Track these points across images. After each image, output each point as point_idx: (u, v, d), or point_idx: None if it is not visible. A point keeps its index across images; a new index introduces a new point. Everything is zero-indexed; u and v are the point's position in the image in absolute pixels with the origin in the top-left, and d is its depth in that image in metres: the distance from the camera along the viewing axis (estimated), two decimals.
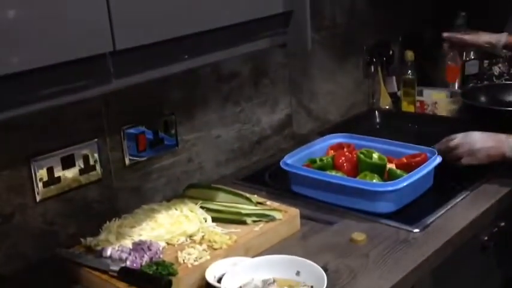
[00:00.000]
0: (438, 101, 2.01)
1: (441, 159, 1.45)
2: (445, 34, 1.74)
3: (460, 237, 1.31)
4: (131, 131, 1.43)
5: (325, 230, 1.33)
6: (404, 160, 1.49)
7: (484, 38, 1.70)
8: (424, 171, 1.41)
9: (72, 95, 0.91)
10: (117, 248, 1.19)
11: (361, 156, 1.49)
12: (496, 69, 2.17)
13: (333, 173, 1.47)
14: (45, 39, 0.84)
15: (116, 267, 1.13)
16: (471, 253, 1.41)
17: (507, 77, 2.15)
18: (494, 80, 2.14)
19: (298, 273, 1.09)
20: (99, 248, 1.21)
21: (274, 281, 1.08)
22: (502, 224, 1.47)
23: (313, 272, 1.06)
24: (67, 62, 0.88)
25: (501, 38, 1.68)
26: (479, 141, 1.46)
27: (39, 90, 0.87)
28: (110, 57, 0.91)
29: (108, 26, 0.89)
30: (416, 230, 1.29)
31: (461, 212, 1.37)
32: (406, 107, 2.00)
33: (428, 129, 1.83)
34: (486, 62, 2.18)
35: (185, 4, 1.01)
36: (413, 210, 1.37)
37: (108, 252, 1.18)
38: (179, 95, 1.52)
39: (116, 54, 0.91)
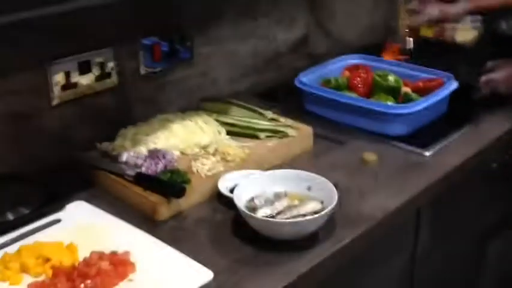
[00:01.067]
0: (457, 26, 1.96)
1: (457, 85, 1.45)
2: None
3: (470, 163, 1.33)
4: (147, 41, 1.41)
5: (337, 149, 1.35)
6: (420, 84, 1.49)
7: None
8: (439, 97, 1.40)
9: None
10: (132, 154, 1.21)
11: (377, 77, 1.48)
12: None
13: (347, 93, 1.47)
14: None
15: (131, 172, 1.16)
16: (479, 180, 1.43)
17: None
18: None
19: (309, 188, 1.11)
20: (114, 153, 1.24)
21: (285, 194, 1.10)
22: None
23: (324, 187, 1.09)
24: None
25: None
26: None
27: None
28: None
29: None
30: (427, 154, 1.31)
31: (474, 138, 1.38)
32: (425, 31, 1.96)
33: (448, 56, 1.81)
34: None
35: None
36: (426, 135, 1.38)
37: (124, 157, 1.20)
38: (197, 7, 1.49)
39: None
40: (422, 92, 1.44)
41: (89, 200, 1.16)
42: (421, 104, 1.36)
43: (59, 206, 1.12)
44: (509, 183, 1.54)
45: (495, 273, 1.65)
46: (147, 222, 1.11)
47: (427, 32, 1.96)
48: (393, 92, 1.45)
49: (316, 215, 1.02)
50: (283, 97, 1.60)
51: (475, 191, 1.45)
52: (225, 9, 1.56)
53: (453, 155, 1.31)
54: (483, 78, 1.47)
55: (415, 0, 1.61)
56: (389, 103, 1.40)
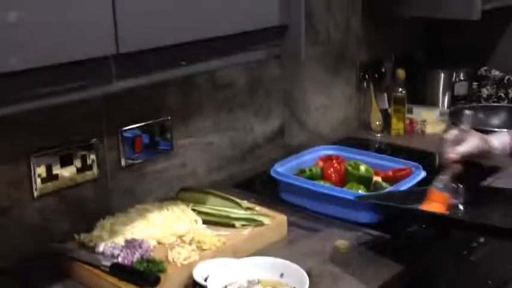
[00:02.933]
0: (427, 119, 2.07)
1: (425, 174, 1.51)
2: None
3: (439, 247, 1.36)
4: (128, 133, 1.48)
5: (311, 237, 1.38)
6: (390, 173, 1.55)
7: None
8: (407, 185, 1.46)
9: (73, 94, 0.96)
10: (109, 245, 1.23)
11: (349, 168, 1.54)
12: (485, 92, 2.24)
13: (321, 183, 1.52)
14: (47, 39, 0.89)
15: (107, 263, 1.17)
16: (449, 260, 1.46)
17: (495, 99, 2.22)
18: (482, 102, 2.21)
19: (282, 275, 1.14)
20: (92, 244, 1.26)
21: (258, 282, 1.12)
22: (482, 239, 1.52)
23: (296, 274, 1.11)
24: (70, 63, 0.92)
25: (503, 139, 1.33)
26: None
27: (40, 88, 0.91)
28: (112, 60, 0.96)
29: (113, 29, 0.94)
30: (397, 241, 1.34)
31: None
32: (396, 123, 2.06)
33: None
34: (475, 83, 2.25)
35: (187, 12, 1.06)
36: (396, 222, 1.42)
37: (101, 248, 1.22)
38: (176, 100, 1.57)
39: (119, 57, 0.97)
40: (392, 180, 1.50)
41: None
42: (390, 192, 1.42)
43: None
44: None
45: None
46: None
47: (398, 125, 2.06)
48: (365, 181, 1.51)
49: None
50: (260, 187, 1.65)
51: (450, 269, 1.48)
52: (204, 102, 1.64)
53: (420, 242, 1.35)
54: (450, 155, 1.27)
55: (453, 129, 1.32)
56: (360, 192, 1.45)
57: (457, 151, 1.27)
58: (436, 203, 1.28)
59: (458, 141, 1.28)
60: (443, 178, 1.28)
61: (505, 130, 1.39)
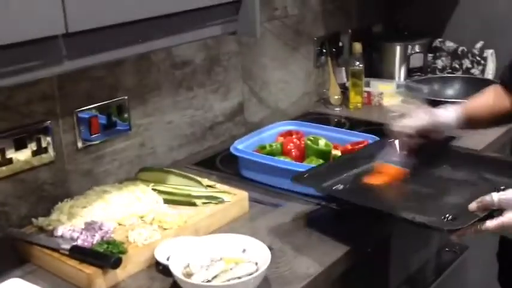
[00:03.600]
0: (384, 91, 2.10)
1: None
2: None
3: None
4: (84, 114, 1.45)
5: (272, 212, 1.39)
6: (349, 146, 1.57)
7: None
8: None
9: (23, 75, 0.93)
10: (68, 228, 1.22)
11: (308, 142, 1.55)
12: (440, 63, 2.28)
13: (281, 158, 1.53)
14: None
15: (67, 246, 1.16)
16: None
17: (449, 70, 2.26)
18: (437, 73, 2.25)
19: (244, 251, 1.15)
20: (50, 227, 1.24)
21: (221, 259, 1.13)
22: None
23: (258, 249, 1.12)
24: (18, 43, 0.90)
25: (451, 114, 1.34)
26: None
27: None
28: (62, 39, 0.94)
29: (61, 8, 0.92)
30: (355, 212, 1.36)
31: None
32: (354, 97, 2.08)
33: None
34: (430, 55, 2.29)
35: None
36: None
37: (60, 231, 1.21)
38: (133, 80, 1.55)
39: (68, 37, 0.94)
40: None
41: (24, 277, 1.15)
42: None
43: None
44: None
45: None
46: None
47: (356, 99, 2.08)
48: (324, 155, 1.53)
49: (250, 277, 1.05)
50: (221, 164, 1.65)
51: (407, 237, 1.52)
52: (162, 81, 1.62)
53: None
54: (396, 127, 1.30)
55: (402, 103, 1.40)
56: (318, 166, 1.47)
57: (403, 123, 1.31)
58: (381, 175, 1.31)
59: (405, 116, 1.32)
60: (391, 150, 1.31)
61: (457, 100, 1.42)
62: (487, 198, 1.09)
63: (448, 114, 1.35)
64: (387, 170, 1.34)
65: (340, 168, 1.39)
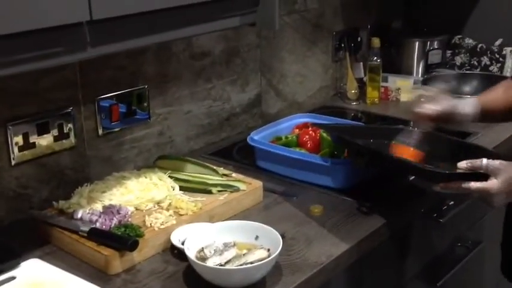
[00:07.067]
0: (401, 87, 2.10)
1: None
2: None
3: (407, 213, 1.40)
4: (105, 102, 1.48)
5: (285, 202, 1.41)
6: None
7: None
8: None
9: (48, 60, 0.96)
10: (87, 211, 1.25)
11: (324, 134, 1.57)
12: (458, 60, 2.28)
13: (296, 149, 1.55)
14: (20, 6, 0.89)
15: (86, 228, 1.19)
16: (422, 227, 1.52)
17: (468, 67, 2.26)
18: (456, 70, 2.25)
19: (257, 237, 1.17)
20: (70, 210, 1.28)
21: (234, 244, 1.16)
22: (451, 202, 1.58)
23: (270, 236, 1.15)
24: (44, 29, 0.93)
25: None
26: None
27: (13, 54, 0.92)
28: (86, 26, 0.97)
29: None
30: (368, 205, 1.38)
31: (416, 188, 1.47)
32: (371, 92, 2.09)
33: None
34: (449, 52, 2.29)
35: None
36: (368, 187, 1.45)
37: (79, 214, 1.24)
38: (153, 69, 1.58)
39: (92, 24, 0.97)
40: None
41: (44, 257, 1.19)
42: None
43: (14, 263, 1.14)
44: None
45: None
46: (100, 276, 1.14)
47: (373, 94, 2.09)
48: (339, 148, 1.54)
49: (262, 262, 1.07)
50: (237, 154, 1.67)
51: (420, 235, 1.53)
52: (181, 72, 1.65)
53: (391, 206, 1.39)
54: (419, 110, 1.33)
55: (426, 91, 1.42)
56: (333, 158, 1.49)
57: (427, 107, 1.34)
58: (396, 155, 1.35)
59: (429, 100, 1.36)
60: (409, 132, 1.35)
61: (475, 96, 1.43)
62: (477, 161, 1.18)
63: (465, 105, 1.37)
64: (403, 151, 1.37)
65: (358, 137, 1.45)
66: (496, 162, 1.16)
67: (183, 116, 1.69)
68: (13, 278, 1.11)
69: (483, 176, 1.17)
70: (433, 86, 1.71)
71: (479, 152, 1.31)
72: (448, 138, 1.44)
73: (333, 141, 1.50)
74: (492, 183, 1.16)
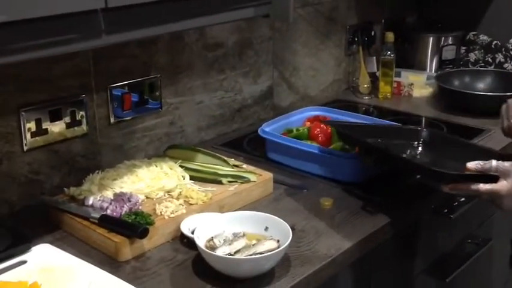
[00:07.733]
0: (414, 82, 2.09)
1: None
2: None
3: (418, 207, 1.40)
4: (117, 91, 1.49)
5: (295, 194, 1.41)
6: None
7: None
8: None
9: (62, 46, 0.96)
10: (98, 198, 1.26)
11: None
12: (472, 56, 2.26)
13: (308, 142, 1.55)
14: None
15: (96, 215, 1.20)
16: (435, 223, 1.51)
17: (482, 63, 2.24)
18: (470, 66, 2.23)
19: (266, 228, 1.17)
20: (81, 197, 1.28)
21: (244, 235, 1.16)
22: (462, 199, 1.57)
23: (280, 227, 1.15)
24: (59, 15, 0.93)
25: None
26: None
27: (28, 40, 0.92)
28: (101, 13, 0.97)
29: None
30: (379, 199, 1.38)
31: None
32: (383, 86, 2.08)
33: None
34: (463, 48, 2.27)
35: None
36: (379, 182, 1.45)
37: (90, 201, 1.25)
38: (166, 59, 1.58)
39: (107, 11, 0.97)
40: None
41: (54, 243, 1.20)
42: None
43: (25, 248, 1.15)
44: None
45: None
46: (110, 262, 1.15)
47: (386, 89, 2.08)
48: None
49: (271, 253, 1.07)
50: (248, 146, 1.68)
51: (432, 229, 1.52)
52: (194, 62, 1.65)
53: (402, 200, 1.39)
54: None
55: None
56: (344, 152, 1.48)
57: None
58: None
59: None
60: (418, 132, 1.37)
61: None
62: (486, 162, 1.16)
63: None
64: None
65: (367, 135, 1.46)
66: (506, 164, 1.14)
67: (195, 106, 1.69)
68: (24, 262, 1.13)
69: (493, 177, 1.15)
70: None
71: (489, 153, 1.29)
72: (457, 139, 1.42)
73: (341, 139, 1.49)
74: (502, 185, 1.14)
